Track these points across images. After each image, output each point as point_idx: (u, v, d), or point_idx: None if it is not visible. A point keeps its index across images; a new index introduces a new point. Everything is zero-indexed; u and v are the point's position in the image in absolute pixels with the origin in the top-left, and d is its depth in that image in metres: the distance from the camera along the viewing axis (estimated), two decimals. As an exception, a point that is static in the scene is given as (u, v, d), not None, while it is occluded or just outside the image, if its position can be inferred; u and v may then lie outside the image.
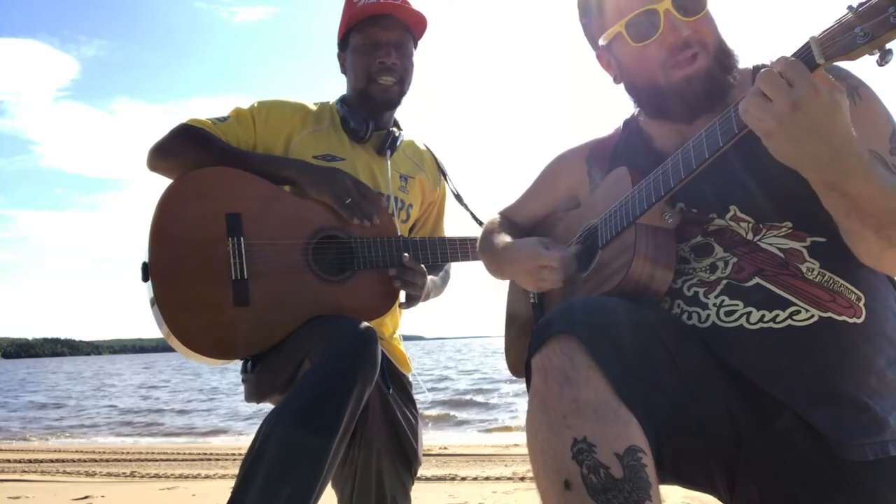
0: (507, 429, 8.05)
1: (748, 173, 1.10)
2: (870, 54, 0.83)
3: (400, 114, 1.99)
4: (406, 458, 1.76)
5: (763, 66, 1.16)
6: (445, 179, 2.04)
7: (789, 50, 0.91)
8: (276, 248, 1.68)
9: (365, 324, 1.54)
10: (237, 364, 1.79)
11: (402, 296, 1.85)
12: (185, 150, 1.73)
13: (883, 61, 0.83)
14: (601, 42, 1.25)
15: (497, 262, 1.49)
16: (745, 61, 1.19)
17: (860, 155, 0.91)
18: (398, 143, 1.91)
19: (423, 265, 1.80)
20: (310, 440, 1.35)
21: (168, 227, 1.65)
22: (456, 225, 2.12)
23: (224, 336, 1.64)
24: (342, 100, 1.92)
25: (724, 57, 1.14)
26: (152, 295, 1.63)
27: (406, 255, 1.75)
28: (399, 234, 1.81)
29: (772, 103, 0.89)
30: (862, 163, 0.91)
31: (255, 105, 1.84)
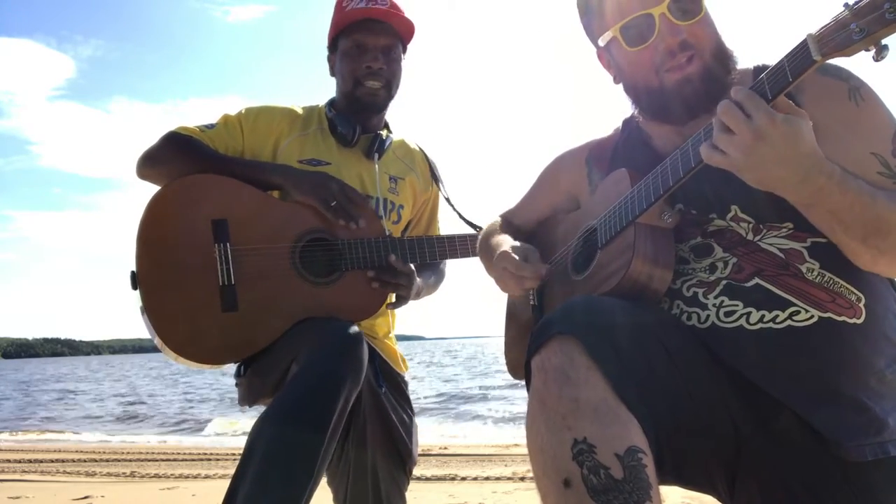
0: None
1: None
2: (866, 50, 0.84)
3: (397, 115, 2.00)
4: (400, 457, 1.77)
5: (765, 66, 1.16)
6: (437, 184, 2.04)
7: (787, 47, 0.92)
8: (263, 252, 1.69)
9: (350, 325, 1.56)
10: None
11: (391, 295, 1.85)
12: (172, 157, 1.74)
13: (879, 57, 0.83)
14: (600, 43, 1.25)
15: (492, 266, 1.49)
16: (747, 62, 1.19)
17: (830, 172, 0.94)
18: (386, 146, 1.91)
19: (411, 265, 1.81)
20: (298, 439, 1.36)
21: (155, 235, 1.67)
22: (454, 224, 2.11)
23: (213, 343, 1.65)
24: (331, 103, 1.92)
25: (722, 58, 1.14)
26: (141, 303, 1.64)
27: (392, 256, 1.76)
28: (387, 234, 1.81)
29: (735, 136, 0.93)
30: (833, 179, 0.95)
31: (243, 111, 1.85)
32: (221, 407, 12.34)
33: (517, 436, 6.84)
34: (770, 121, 0.91)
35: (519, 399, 10.85)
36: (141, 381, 22.52)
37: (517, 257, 1.33)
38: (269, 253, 1.70)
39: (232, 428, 9.11)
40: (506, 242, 1.42)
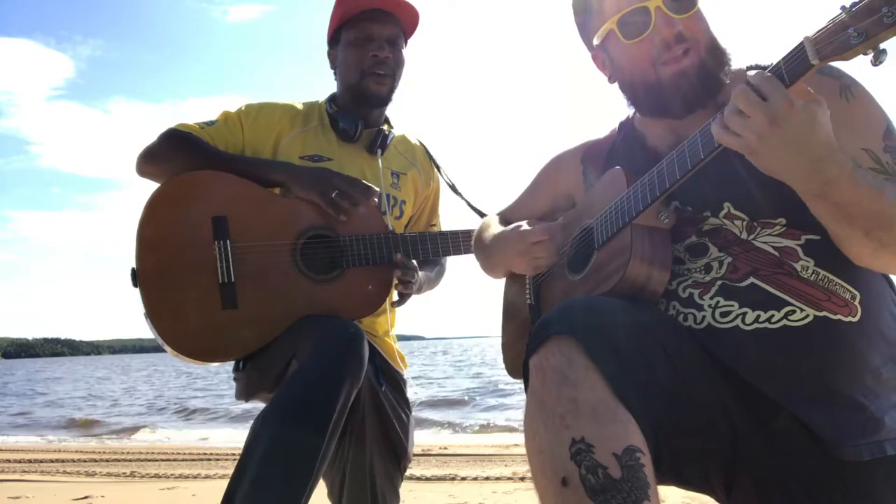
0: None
1: (742, 170, 1.11)
2: (864, 54, 0.84)
3: (396, 111, 2.00)
4: (396, 455, 1.77)
5: (757, 66, 1.17)
6: (439, 172, 2.03)
7: (783, 50, 0.92)
8: (264, 249, 1.69)
9: (351, 323, 1.56)
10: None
11: (394, 293, 1.85)
12: (172, 154, 1.74)
13: (877, 61, 0.83)
14: (595, 41, 1.26)
15: (489, 256, 1.50)
16: (739, 62, 1.19)
17: (843, 163, 0.93)
18: (389, 141, 1.91)
19: (414, 261, 1.80)
20: (297, 438, 1.36)
21: (155, 233, 1.66)
22: (453, 220, 2.12)
23: (213, 340, 1.65)
24: (331, 99, 1.92)
25: (715, 54, 1.15)
26: (141, 300, 1.64)
27: (399, 254, 1.75)
28: (390, 229, 1.80)
29: (750, 119, 0.91)
30: (845, 170, 0.93)
31: (243, 108, 1.85)
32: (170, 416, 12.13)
33: (517, 436, 6.83)
34: (788, 105, 0.88)
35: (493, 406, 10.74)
36: (108, 385, 22.72)
37: (545, 226, 1.35)
38: (270, 250, 1.69)
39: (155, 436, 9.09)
40: (508, 227, 1.43)
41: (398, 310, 1.97)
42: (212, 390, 15.98)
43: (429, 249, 1.83)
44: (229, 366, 1.79)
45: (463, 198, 2.00)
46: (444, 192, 2.09)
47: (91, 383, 23.93)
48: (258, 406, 1.63)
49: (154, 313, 1.63)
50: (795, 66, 0.89)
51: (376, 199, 1.78)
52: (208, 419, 10.69)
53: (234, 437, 7.86)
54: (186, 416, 11.45)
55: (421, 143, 2.06)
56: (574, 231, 1.36)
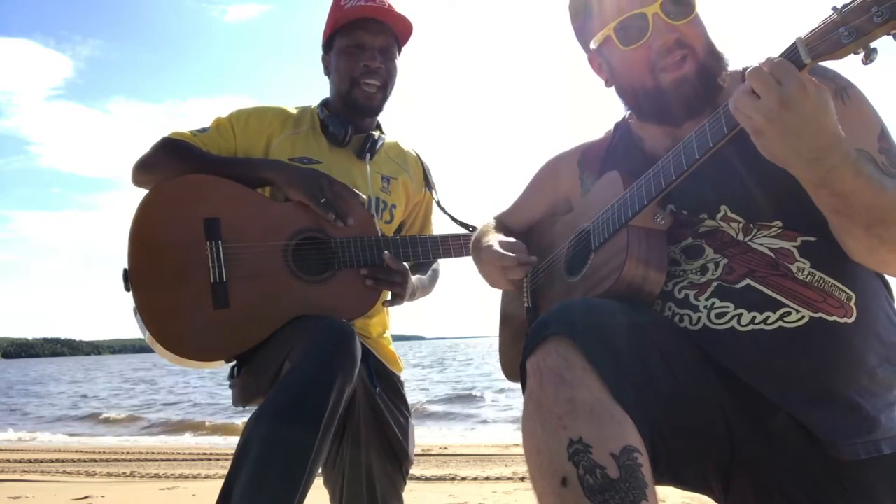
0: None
1: (740, 172, 1.11)
2: (855, 53, 0.85)
3: (390, 116, 2.00)
4: (395, 457, 1.77)
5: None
6: (429, 189, 2.04)
7: (776, 50, 0.92)
8: (256, 250, 1.70)
9: (343, 322, 1.56)
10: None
11: (386, 293, 1.86)
12: (166, 162, 1.75)
13: (868, 60, 0.84)
14: (592, 46, 1.26)
15: (480, 265, 1.51)
16: (734, 64, 1.20)
17: (847, 153, 0.92)
18: (378, 146, 1.91)
19: (405, 263, 1.81)
20: (290, 438, 1.36)
21: (147, 234, 1.67)
22: (448, 228, 2.12)
23: (205, 340, 1.65)
24: (324, 103, 1.93)
25: (713, 59, 1.16)
26: (133, 301, 1.64)
27: (387, 253, 1.76)
28: (380, 232, 1.81)
29: (761, 100, 0.90)
30: (849, 160, 0.92)
31: (234, 113, 1.86)
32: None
33: (517, 436, 6.82)
34: (802, 90, 0.88)
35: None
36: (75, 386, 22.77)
37: (502, 250, 1.36)
38: (262, 251, 1.70)
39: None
40: (494, 239, 1.45)
41: (398, 310, 1.98)
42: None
43: (419, 252, 1.83)
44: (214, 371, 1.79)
45: (447, 213, 2.01)
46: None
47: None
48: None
49: (146, 313, 1.63)
50: None
51: (364, 203, 1.78)
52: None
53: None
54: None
55: (418, 156, 2.07)
56: (571, 235, 1.36)
